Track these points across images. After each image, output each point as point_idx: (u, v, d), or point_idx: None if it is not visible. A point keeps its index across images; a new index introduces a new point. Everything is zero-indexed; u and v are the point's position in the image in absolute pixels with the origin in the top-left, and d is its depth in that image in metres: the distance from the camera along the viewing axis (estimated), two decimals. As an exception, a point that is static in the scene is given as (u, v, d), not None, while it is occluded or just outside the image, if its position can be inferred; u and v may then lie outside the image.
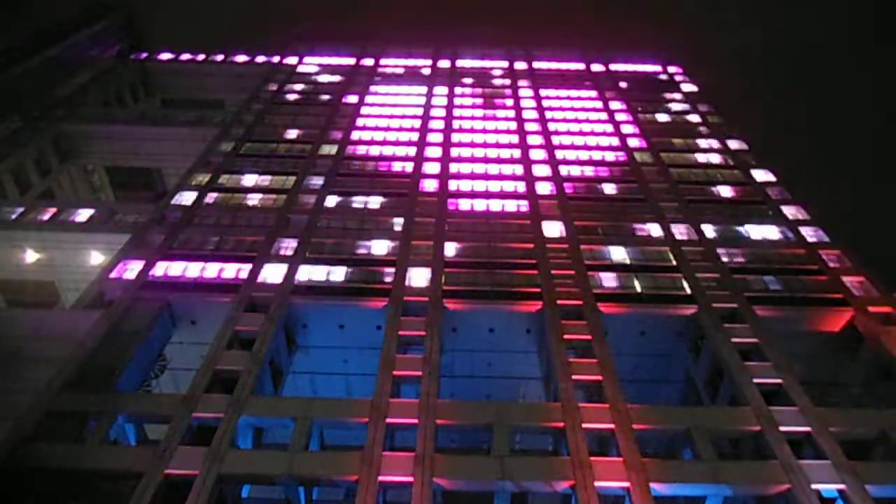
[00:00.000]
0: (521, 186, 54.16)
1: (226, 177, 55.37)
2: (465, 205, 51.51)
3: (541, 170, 56.74)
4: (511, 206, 51.35)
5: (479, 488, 30.53)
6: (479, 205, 51.45)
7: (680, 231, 48.63)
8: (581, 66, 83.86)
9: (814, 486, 29.43)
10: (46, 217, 50.15)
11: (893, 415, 33.72)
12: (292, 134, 63.85)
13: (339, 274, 42.74)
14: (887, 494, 29.67)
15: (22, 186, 62.38)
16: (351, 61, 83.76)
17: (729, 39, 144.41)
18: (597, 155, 60.42)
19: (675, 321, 41.25)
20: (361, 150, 60.43)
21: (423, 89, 74.42)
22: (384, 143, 61.55)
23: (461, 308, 40.91)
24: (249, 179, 55.19)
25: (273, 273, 42.78)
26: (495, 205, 51.40)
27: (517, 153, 59.76)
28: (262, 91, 74.49)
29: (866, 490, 29.19)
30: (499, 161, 58.54)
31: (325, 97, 72.85)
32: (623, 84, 78.09)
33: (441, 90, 74.31)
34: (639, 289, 42.26)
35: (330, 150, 59.87)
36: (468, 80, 78.51)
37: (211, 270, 42.87)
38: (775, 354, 37.02)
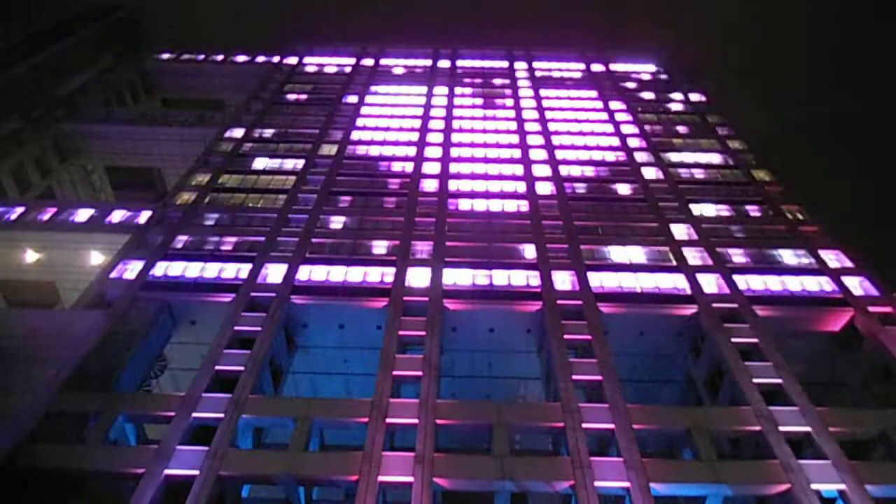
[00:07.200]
0: (521, 186, 54.18)
1: (225, 177, 55.43)
2: (465, 205, 51.53)
3: (541, 170, 56.76)
4: (511, 206, 51.38)
5: (479, 488, 30.52)
6: (479, 205, 51.47)
7: (680, 231, 48.67)
8: (581, 65, 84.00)
9: (814, 486, 29.45)
10: (46, 217, 50.13)
11: (893, 415, 33.73)
12: (292, 134, 63.87)
13: (338, 274, 42.75)
14: (887, 494, 29.69)
15: (22, 186, 62.44)
16: (351, 61, 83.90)
17: (730, 38, 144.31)
18: (597, 155, 60.45)
19: (675, 321, 41.24)
20: (361, 149, 60.49)
21: (423, 89, 74.47)
22: (384, 143, 61.60)
23: (461, 308, 40.91)
24: (249, 179, 55.22)
25: (273, 273, 42.81)
26: (495, 205, 51.44)
27: (517, 153, 59.78)
28: (261, 91, 74.54)
29: (866, 490, 29.21)
30: (499, 161, 58.56)
31: (325, 97, 72.87)
32: (623, 84, 78.14)
33: (441, 90, 74.37)
34: (639, 289, 42.28)
35: (330, 150, 59.92)
36: (468, 80, 78.57)
37: (211, 270, 42.89)
38: (775, 354, 37.02)
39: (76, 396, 32.27)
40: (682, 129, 66.79)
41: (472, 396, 43.39)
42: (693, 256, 45.61)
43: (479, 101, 72.43)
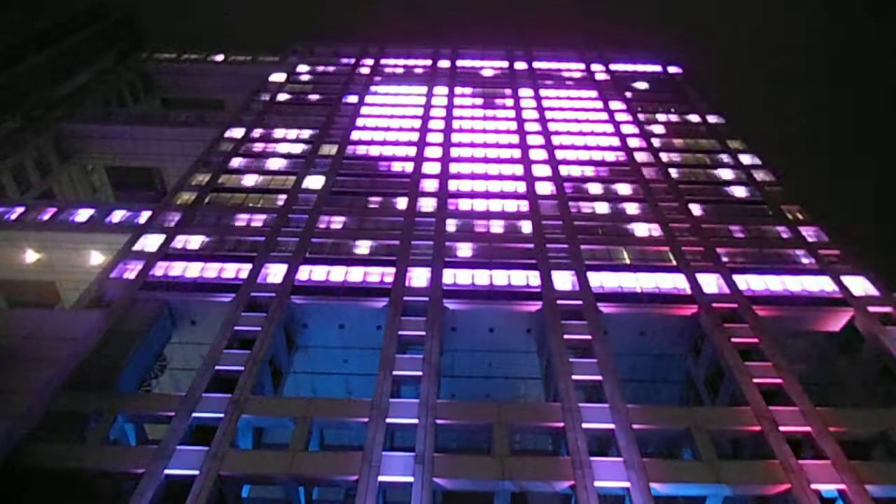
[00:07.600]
0: (521, 186, 54.17)
1: (226, 177, 55.43)
2: (465, 205, 51.52)
3: (541, 170, 56.75)
4: (511, 205, 51.36)
5: (479, 488, 30.50)
6: (479, 205, 51.46)
7: (680, 231, 48.65)
8: (581, 65, 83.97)
9: (814, 486, 29.43)
10: (46, 217, 50.17)
11: (893, 415, 33.73)
12: (292, 134, 63.88)
13: (338, 274, 42.74)
14: (887, 494, 29.66)
15: (22, 186, 62.44)
16: (351, 61, 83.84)
17: (730, 38, 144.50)
18: (597, 155, 60.44)
19: (675, 321, 41.24)
20: (361, 149, 60.48)
21: (423, 89, 74.45)
22: (384, 142, 61.59)
23: (461, 308, 40.91)
24: (249, 179, 55.25)
25: (273, 273, 42.81)
26: (495, 205, 51.42)
27: (517, 153, 59.77)
28: (262, 91, 74.52)
29: (866, 490, 29.20)
30: (499, 161, 58.55)
31: (325, 97, 72.88)
32: (623, 84, 78.13)
33: (441, 90, 74.35)
34: (639, 289, 42.28)
35: (330, 150, 59.91)
36: (468, 80, 78.55)
37: (211, 270, 42.87)
38: (775, 354, 37.02)
39: (76, 396, 32.27)
40: (682, 128, 66.78)
41: (472, 396, 43.43)
42: (693, 256, 45.60)
43: (479, 101, 72.41)
